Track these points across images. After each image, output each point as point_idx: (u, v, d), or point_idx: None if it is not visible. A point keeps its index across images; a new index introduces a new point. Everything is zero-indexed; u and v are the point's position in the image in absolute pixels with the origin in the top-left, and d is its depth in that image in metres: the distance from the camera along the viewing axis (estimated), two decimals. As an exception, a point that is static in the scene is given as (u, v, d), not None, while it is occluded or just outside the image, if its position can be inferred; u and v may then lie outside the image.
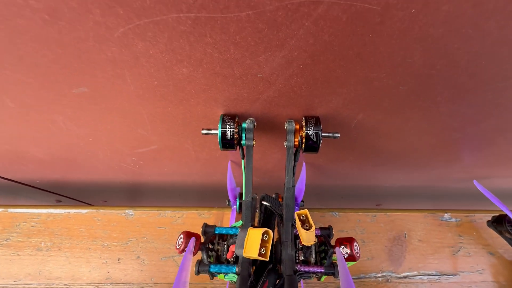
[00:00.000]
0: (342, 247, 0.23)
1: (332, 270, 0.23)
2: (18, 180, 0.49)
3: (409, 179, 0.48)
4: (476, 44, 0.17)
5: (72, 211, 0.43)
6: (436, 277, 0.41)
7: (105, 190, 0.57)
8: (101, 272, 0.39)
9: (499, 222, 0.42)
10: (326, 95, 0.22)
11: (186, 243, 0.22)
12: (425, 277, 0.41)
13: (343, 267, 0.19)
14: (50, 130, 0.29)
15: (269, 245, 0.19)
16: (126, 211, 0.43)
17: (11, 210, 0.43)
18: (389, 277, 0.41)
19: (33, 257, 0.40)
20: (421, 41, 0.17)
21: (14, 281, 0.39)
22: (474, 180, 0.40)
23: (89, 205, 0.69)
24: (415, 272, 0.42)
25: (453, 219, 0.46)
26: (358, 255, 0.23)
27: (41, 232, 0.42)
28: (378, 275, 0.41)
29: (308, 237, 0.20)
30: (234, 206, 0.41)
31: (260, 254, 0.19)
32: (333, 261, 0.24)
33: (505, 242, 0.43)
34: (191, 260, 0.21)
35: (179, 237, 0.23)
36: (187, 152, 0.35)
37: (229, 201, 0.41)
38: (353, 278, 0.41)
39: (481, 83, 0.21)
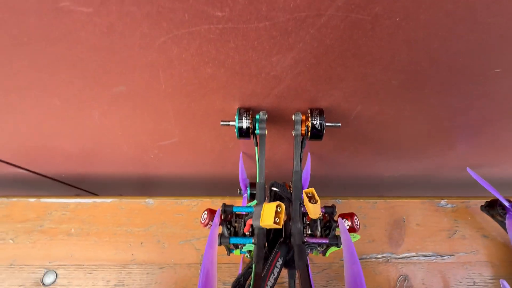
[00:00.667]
0: (344, 220, 0.26)
1: (335, 241, 0.26)
2: (42, 173, 0.53)
3: (408, 168, 0.51)
4: (452, 44, 0.20)
5: (98, 200, 0.47)
6: (433, 257, 0.45)
7: (123, 184, 0.61)
8: (126, 254, 0.43)
9: (491, 206, 0.45)
10: (328, 89, 0.26)
11: (211, 218, 0.26)
12: (423, 258, 0.45)
13: (345, 233, 0.23)
14: (85, 124, 0.33)
15: (282, 216, 0.23)
16: (146, 200, 0.47)
17: (43, 200, 0.47)
18: (389, 258, 0.45)
19: (65, 241, 0.44)
20: (406, 43, 0.20)
21: (49, 263, 0.43)
22: (467, 167, 0.43)
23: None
24: (413, 253, 0.45)
25: (449, 205, 0.49)
26: (357, 226, 0.26)
27: (71, 220, 0.46)
28: (378, 256, 0.45)
29: (314, 210, 0.24)
30: (245, 195, 0.44)
31: (274, 222, 0.22)
32: (336, 234, 0.27)
33: (498, 225, 0.46)
34: (218, 230, 0.25)
35: (203, 213, 0.27)
36: (203, 144, 0.39)
37: (240, 190, 0.44)
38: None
39: (462, 77, 0.24)
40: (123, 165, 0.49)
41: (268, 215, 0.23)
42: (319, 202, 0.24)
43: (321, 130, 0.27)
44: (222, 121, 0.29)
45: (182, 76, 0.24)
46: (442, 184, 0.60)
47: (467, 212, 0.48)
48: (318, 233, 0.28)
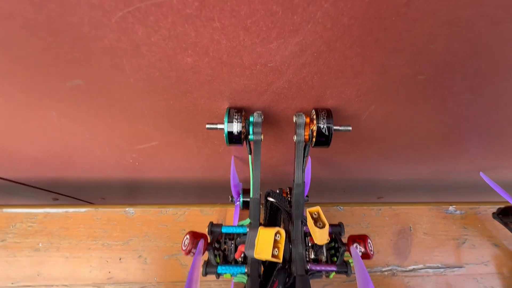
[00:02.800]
0: (355, 244, 0.22)
1: (344, 268, 0.22)
2: (11, 179, 0.47)
3: (414, 171, 0.47)
4: (504, 28, 0.16)
5: (71, 210, 0.42)
6: (442, 269, 0.41)
7: (104, 188, 0.55)
8: (102, 272, 0.38)
9: (505, 214, 0.42)
10: (339, 86, 0.21)
11: (193, 244, 0.21)
12: (431, 270, 0.41)
13: (361, 266, 0.18)
14: (43, 127, 0.27)
15: (282, 246, 0.18)
16: (127, 209, 0.42)
17: (6, 210, 0.42)
18: (395, 271, 0.41)
19: (30, 258, 0.39)
20: (447, 25, 0.15)
21: (12, 283, 0.38)
22: (480, 172, 0.39)
23: (88, 202, 0.68)
24: (421, 265, 0.41)
25: (458, 212, 0.46)
26: (372, 253, 0.22)
27: (39, 232, 0.41)
28: (384, 269, 0.41)
29: (321, 236, 0.20)
30: (238, 203, 0.40)
31: (273, 256, 0.18)
32: (345, 259, 0.23)
33: (510, 233, 0.43)
34: (201, 261, 0.20)
35: (185, 238, 0.22)
36: (189, 148, 0.34)
37: (232, 197, 0.40)
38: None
39: (502, 70, 0.19)
40: (100, 169, 0.43)
41: (265, 245, 0.18)
42: (327, 226, 0.19)
43: (329, 136, 0.22)
44: (208, 123, 0.23)
45: (154, 66, 0.18)
46: (449, 187, 0.56)
47: (477, 219, 0.45)
48: (324, 258, 0.24)
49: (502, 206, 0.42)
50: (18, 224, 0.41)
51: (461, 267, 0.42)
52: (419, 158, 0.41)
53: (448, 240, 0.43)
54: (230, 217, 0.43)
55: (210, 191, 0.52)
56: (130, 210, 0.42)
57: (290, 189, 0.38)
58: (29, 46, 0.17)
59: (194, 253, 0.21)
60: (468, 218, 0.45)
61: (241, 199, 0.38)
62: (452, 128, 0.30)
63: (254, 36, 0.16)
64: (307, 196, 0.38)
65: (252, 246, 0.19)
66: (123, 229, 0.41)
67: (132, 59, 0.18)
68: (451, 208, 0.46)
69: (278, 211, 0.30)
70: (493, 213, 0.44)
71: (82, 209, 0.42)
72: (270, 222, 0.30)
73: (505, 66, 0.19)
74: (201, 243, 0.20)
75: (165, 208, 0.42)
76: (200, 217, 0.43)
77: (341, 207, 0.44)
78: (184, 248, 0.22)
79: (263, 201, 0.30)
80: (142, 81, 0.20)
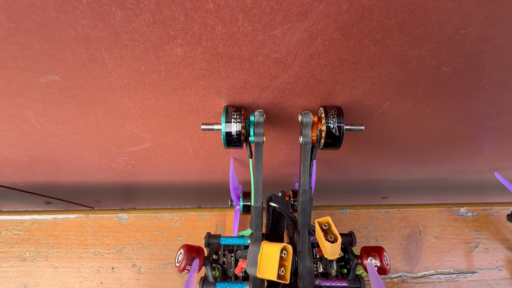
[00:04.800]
0: (370, 258, 0.19)
1: (357, 284, 0.20)
2: (-1, 184, 0.45)
3: (423, 172, 0.45)
4: (554, 8, 0.13)
5: (60, 216, 0.39)
6: (454, 275, 0.39)
7: (98, 191, 0.53)
8: (93, 283, 0.36)
9: (520, 216, 0.39)
10: (351, 80, 0.18)
11: (188, 259, 0.18)
12: (443, 276, 0.39)
13: (379, 284, 0.16)
14: (21, 128, 0.24)
15: (289, 264, 0.16)
16: (119, 215, 0.40)
17: (-11, 217, 0.39)
18: (404, 278, 0.39)
19: (16, 269, 0.36)
20: (486, 5, 0.13)
21: (-3, 296, 0.35)
22: (495, 172, 0.37)
23: (82, 206, 0.65)
24: (432, 271, 0.39)
25: (470, 214, 0.43)
26: (388, 267, 0.20)
27: (25, 241, 0.38)
28: (393, 276, 0.39)
29: (333, 251, 0.17)
30: (238, 207, 0.37)
31: (279, 277, 0.15)
32: (358, 274, 0.21)
33: (525, 236, 0.41)
34: (196, 280, 0.17)
35: (179, 253, 0.19)
36: (185, 150, 0.31)
37: (231, 201, 0.37)
38: (366, 281, 0.39)
39: (541, 61, 0.17)
40: (91, 173, 0.41)
41: (270, 264, 0.15)
42: (339, 240, 0.17)
43: (340, 136, 0.20)
44: (203, 124, 0.21)
45: (138, 58, 0.16)
46: (458, 187, 0.54)
47: (490, 221, 0.43)
48: (334, 272, 0.22)
49: (518, 208, 0.40)
50: (4, 232, 0.39)
51: (474, 272, 0.40)
52: (431, 159, 0.38)
53: (460, 244, 0.41)
54: (230, 222, 0.41)
55: (209, 195, 0.50)
56: (123, 215, 0.40)
57: (293, 192, 0.35)
58: (-12, 35, 0.14)
59: (189, 270, 0.18)
60: (480, 220, 0.43)
61: (241, 203, 0.36)
62: (471, 127, 0.27)
63: (256, 21, 0.13)
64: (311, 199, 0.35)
65: (254, 263, 0.17)
66: (116, 236, 0.38)
67: (113, 50, 0.15)
68: (462, 209, 0.44)
69: (281, 217, 0.28)
70: (508, 215, 0.41)
71: (72, 215, 0.40)
72: (273, 229, 0.28)
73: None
74: (195, 263, 0.17)
75: (161, 213, 0.40)
76: (198, 222, 0.41)
77: (347, 210, 0.42)
78: (177, 264, 0.19)
79: (265, 205, 0.28)
80: (127, 76, 0.17)
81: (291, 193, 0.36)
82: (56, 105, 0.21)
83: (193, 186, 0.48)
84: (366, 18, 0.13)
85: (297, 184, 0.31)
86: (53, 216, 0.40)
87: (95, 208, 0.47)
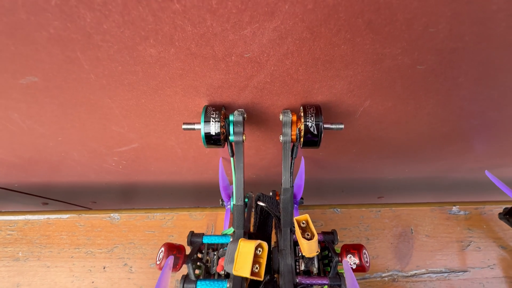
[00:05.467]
0: (349, 256, 0.20)
1: (338, 281, 0.20)
2: (-7, 184, 0.45)
3: (415, 171, 0.45)
4: (520, 5, 0.13)
5: (52, 216, 0.40)
6: (446, 274, 0.39)
7: (93, 192, 0.53)
8: (85, 282, 0.36)
9: (512, 215, 0.39)
10: (328, 79, 0.19)
11: (167, 258, 0.19)
12: (434, 275, 0.39)
13: (352, 282, 0.16)
14: (8, 129, 0.25)
15: (264, 261, 0.16)
16: (111, 215, 0.40)
17: (-17, 218, 0.40)
18: (395, 276, 0.39)
19: (9, 269, 0.37)
20: (452, 3, 0.13)
21: (-10, 296, 0.36)
22: (486, 170, 0.37)
23: (78, 206, 0.66)
24: (423, 270, 0.39)
25: (462, 212, 0.43)
26: (368, 264, 0.20)
27: (18, 241, 0.39)
28: (384, 275, 0.39)
29: (310, 248, 0.17)
30: (228, 206, 0.38)
31: (253, 273, 0.15)
32: (339, 272, 0.21)
33: (517, 235, 0.41)
34: (169, 279, 0.17)
35: (160, 251, 0.20)
36: (173, 150, 0.32)
37: (222, 200, 0.38)
38: (357, 279, 0.39)
39: (515, 58, 0.17)
40: (84, 173, 0.41)
41: (245, 261, 0.16)
42: (315, 237, 0.17)
43: (318, 135, 0.20)
44: (184, 123, 0.21)
45: (114, 59, 0.16)
46: (451, 186, 0.54)
47: (482, 219, 0.43)
48: (315, 270, 0.22)
49: (509, 206, 0.40)
50: (-3, 232, 0.39)
51: (465, 271, 0.40)
52: (420, 157, 0.38)
53: (452, 243, 0.41)
54: (221, 221, 0.41)
55: (203, 194, 0.50)
56: (115, 215, 0.40)
57: (284, 192, 0.35)
58: (-36, 37, 0.14)
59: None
60: (472, 219, 0.43)
61: (232, 202, 0.36)
62: (456, 125, 0.27)
63: (224, 21, 0.13)
64: (302, 198, 0.35)
65: (231, 260, 0.17)
66: (108, 236, 0.39)
67: (87, 52, 0.15)
68: (454, 208, 0.43)
69: (268, 217, 0.28)
70: (500, 214, 0.41)
71: (65, 215, 0.40)
72: (260, 228, 0.28)
73: (518, 53, 0.17)
74: (170, 259, 0.17)
75: (152, 213, 0.40)
76: (189, 222, 0.41)
77: (338, 209, 0.42)
78: (158, 262, 0.19)
79: (253, 205, 0.28)
80: (105, 77, 0.18)
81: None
82: (40, 106, 0.21)
83: (187, 186, 0.48)
84: (332, 17, 0.13)
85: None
86: (46, 216, 0.40)
87: (92, 209, 0.47)
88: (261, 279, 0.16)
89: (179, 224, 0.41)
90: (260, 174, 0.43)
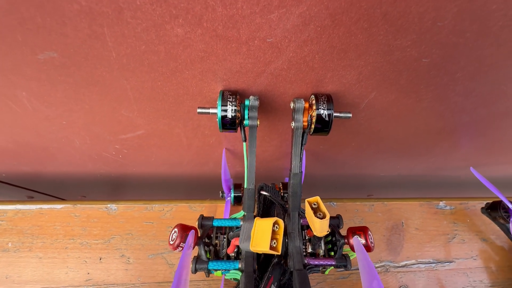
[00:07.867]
0: (355, 237, 0.21)
1: (344, 262, 0.21)
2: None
3: (407, 168, 0.47)
4: (516, 5, 0.15)
5: (45, 206, 0.38)
6: (433, 264, 0.41)
7: (84, 184, 0.51)
8: (80, 274, 0.35)
9: (493, 209, 0.42)
10: (340, 68, 0.20)
11: (182, 238, 0.19)
12: (423, 266, 0.41)
13: (365, 258, 0.17)
14: (11, 110, 0.24)
15: (281, 237, 0.17)
16: (108, 205, 0.39)
17: (-31, 207, 0.38)
18: (388, 267, 0.41)
19: (-2, 260, 0.35)
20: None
21: (-24, 288, 0.34)
22: (471, 167, 0.39)
23: (66, 201, 0.63)
24: (413, 261, 0.41)
25: (448, 207, 0.46)
26: (372, 245, 0.21)
27: (8, 231, 0.37)
28: (377, 265, 0.40)
29: (322, 227, 0.18)
30: (228, 198, 0.38)
31: (271, 248, 0.16)
32: (344, 253, 0.22)
33: (497, 228, 0.44)
34: (191, 256, 0.18)
35: (173, 231, 0.20)
36: (178, 138, 0.32)
37: (222, 192, 0.38)
38: (352, 270, 0.40)
39: (508, 55, 0.19)
40: (81, 163, 0.40)
41: (263, 237, 0.16)
42: (328, 216, 0.18)
43: (329, 122, 0.21)
44: (199, 107, 0.21)
45: (139, 38, 0.16)
46: (439, 184, 0.57)
47: (466, 214, 0.46)
48: (322, 252, 0.23)
49: (490, 201, 0.43)
50: (-15, 222, 0.37)
51: (451, 262, 0.42)
52: (413, 153, 0.41)
53: (439, 236, 0.44)
54: (221, 214, 0.41)
55: (200, 188, 0.50)
56: (112, 206, 0.39)
57: (283, 184, 0.36)
58: (-10, 5, 0.14)
59: (182, 248, 0.19)
60: (457, 213, 0.46)
61: (233, 194, 0.37)
62: (449, 120, 0.29)
63: (254, 3, 0.14)
64: (300, 191, 0.36)
65: (247, 238, 0.17)
66: (104, 227, 0.38)
67: (115, 28, 0.16)
68: (441, 203, 0.46)
69: (271, 206, 0.29)
70: (482, 208, 0.44)
71: (59, 206, 0.39)
72: (263, 217, 0.29)
73: (510, 51, 0.19)
74: (191, 236, 0.18)
75: (151, 204, 0.40)
76: (189, 214, 0.41)
77: (334, 203, 0.44)
78: (171, 242, 0.19)
79: (256, 195, 0.28)
80: (126, 56, 0.18)
81: (281, 185, 0.37)
82: (51, 85, 0.21)
83: (184, 179, 0.48)
84: (355, 5, 0.15)
85: (286, 178, 0.32)
86: (38, 206, 0.39)
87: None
88: (279, 253, 0.16)
89: (178, 215, 0.40)
90: (260, 167, 0.44)
